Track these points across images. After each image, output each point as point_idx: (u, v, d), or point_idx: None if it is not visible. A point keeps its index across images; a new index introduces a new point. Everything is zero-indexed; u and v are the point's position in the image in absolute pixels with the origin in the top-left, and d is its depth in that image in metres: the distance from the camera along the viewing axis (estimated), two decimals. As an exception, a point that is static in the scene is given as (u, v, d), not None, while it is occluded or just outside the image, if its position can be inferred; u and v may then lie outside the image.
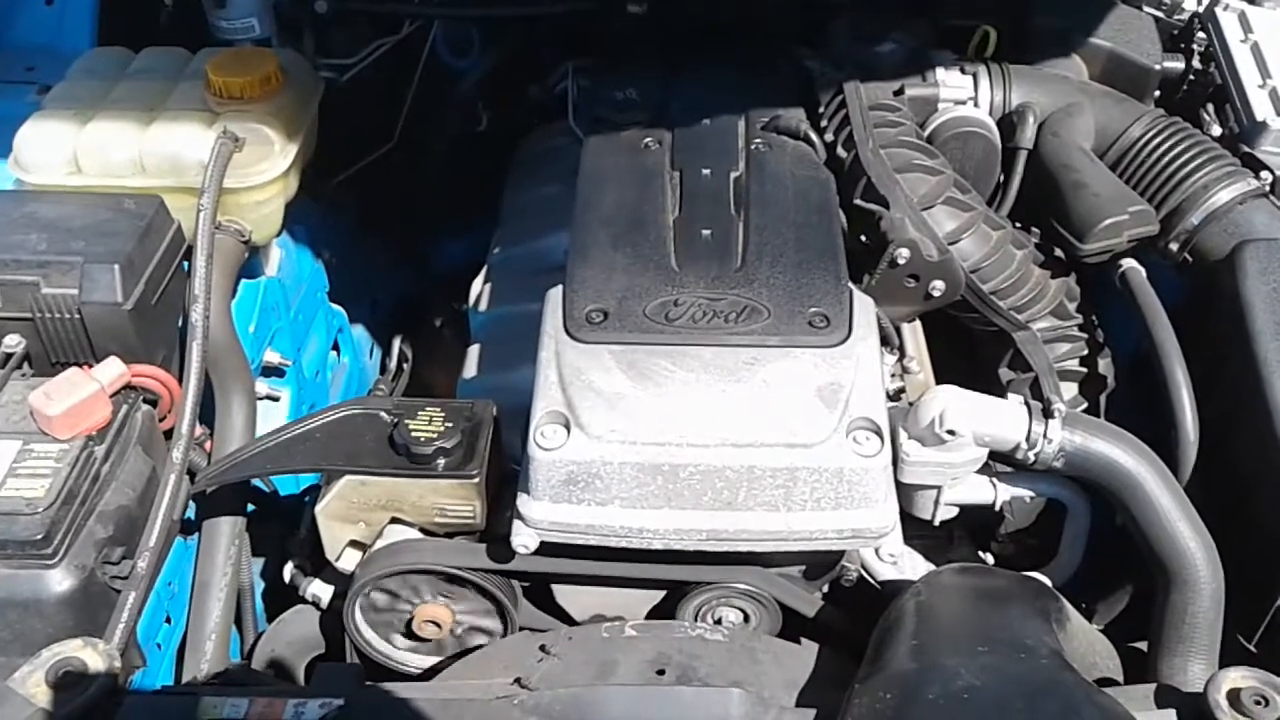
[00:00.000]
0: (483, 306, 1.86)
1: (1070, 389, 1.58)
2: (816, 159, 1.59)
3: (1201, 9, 1.89)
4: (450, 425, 1.38)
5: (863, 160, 1.54)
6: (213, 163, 1.57)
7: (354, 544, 1.43)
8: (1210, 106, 1.74)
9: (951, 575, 1.30)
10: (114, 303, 1.45)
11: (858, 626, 1.35)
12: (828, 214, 1.48)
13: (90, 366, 1.43)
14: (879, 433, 1.25)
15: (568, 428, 1.26)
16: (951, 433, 1.34)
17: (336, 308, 2.15)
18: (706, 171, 1.53)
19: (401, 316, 2.53)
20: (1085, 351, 1.59)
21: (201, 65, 1.72)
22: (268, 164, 1.64)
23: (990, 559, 1.63)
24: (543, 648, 1.27)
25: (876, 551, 1.31)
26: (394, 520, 1.40)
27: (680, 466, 1.24)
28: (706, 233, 1.43)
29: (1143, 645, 1.43)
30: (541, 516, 1.28)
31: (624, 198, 1.51)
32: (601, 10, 2.03)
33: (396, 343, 2.50)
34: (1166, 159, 1.59)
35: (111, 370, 1.42)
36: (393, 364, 2.50)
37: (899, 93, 1.66)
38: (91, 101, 1.67)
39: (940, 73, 1.68)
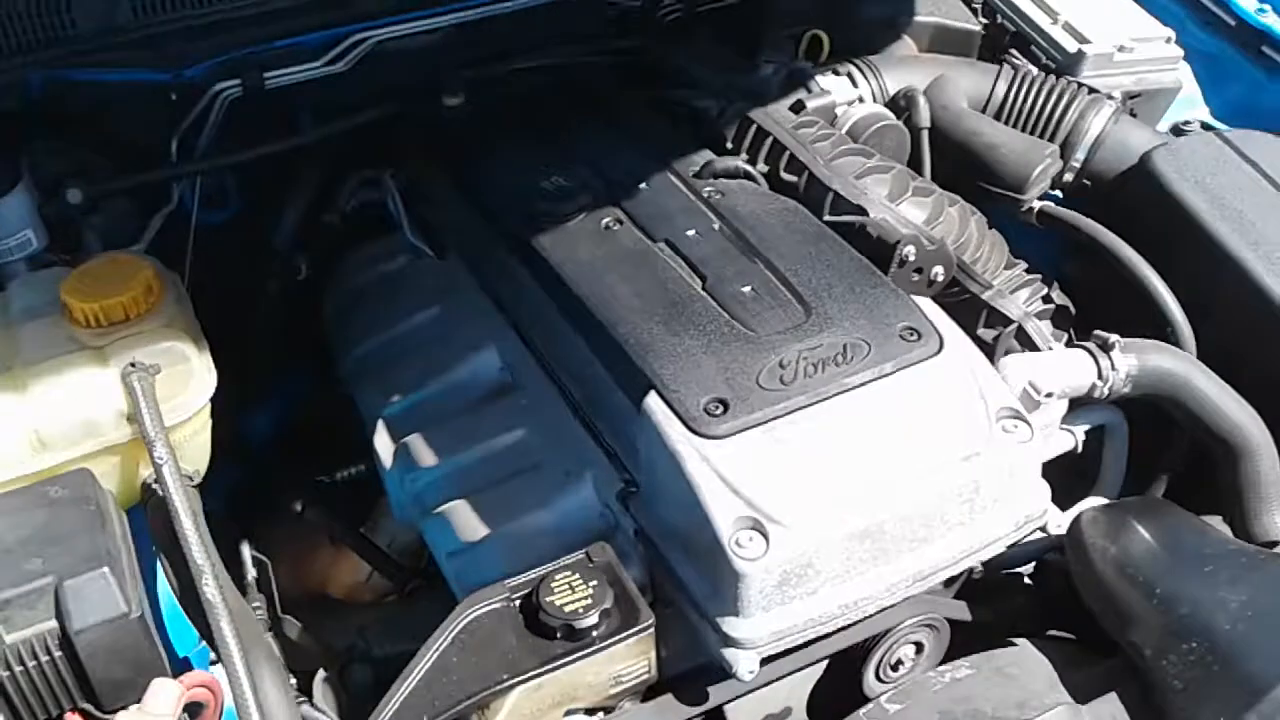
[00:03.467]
0: (426, 463, 1.64)
1: (1045, 326, 1.68)
2: (767, 191, 1.57)
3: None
4: (594, 583, 1.21)
5: (821, 177, 1.54)
6: (145, 405, 1.26)
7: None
8: (1014, 51, 1.92)
9: (1114, 519, 1.34)
10: (120, 615, 1.13)
11: (994, 613, 1.38)
12: (828, 235, 1.47)
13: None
14: (1022, 417, 1.27)
15: (761, 530, 1.15)
16: (1050, 395, 1.38)
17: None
18: (691, 233, 1.46)
19: (239, 515, 2.18)
20: (1044, 290, 1.70)
21: (36, 298, 1.39)
22: (195, 383, 1.35)
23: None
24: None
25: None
26: (568, 712, 1.22)
27: (882, 522, 1.18)
28: (746, 289, 1.37)
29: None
30: (760, 633, 1.17)
31: (636, 284, 1.40)
32: (407, 112, 1.87)
33: (246, 551, 2.15)
34: (1038, 106, 1.74)
35: (167, 697, 1.11)
36: (252, 575, 2.15)
37: (798, 109, 1.68)
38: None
39: (822, 80, 1.72)
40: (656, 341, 1.31)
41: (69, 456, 1.27)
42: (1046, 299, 1.69)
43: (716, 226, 1.48)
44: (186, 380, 1.35)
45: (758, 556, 1.14)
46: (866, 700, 1.32)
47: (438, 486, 1.57)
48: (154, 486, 1.29)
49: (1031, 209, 1.71)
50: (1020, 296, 1.68)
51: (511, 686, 1.15)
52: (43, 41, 1.63)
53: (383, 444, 1.67)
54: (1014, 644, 1.31)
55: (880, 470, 1.20)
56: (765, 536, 1.15)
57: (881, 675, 1.37)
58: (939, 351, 1.30)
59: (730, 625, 1.17)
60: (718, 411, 1.23)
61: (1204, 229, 1.57)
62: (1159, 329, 1.58)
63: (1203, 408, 1.46)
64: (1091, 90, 1.77)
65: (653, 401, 1.26)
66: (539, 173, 1.61)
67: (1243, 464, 1.47)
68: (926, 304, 1.37)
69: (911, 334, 1.31)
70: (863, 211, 1.51)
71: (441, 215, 1.81)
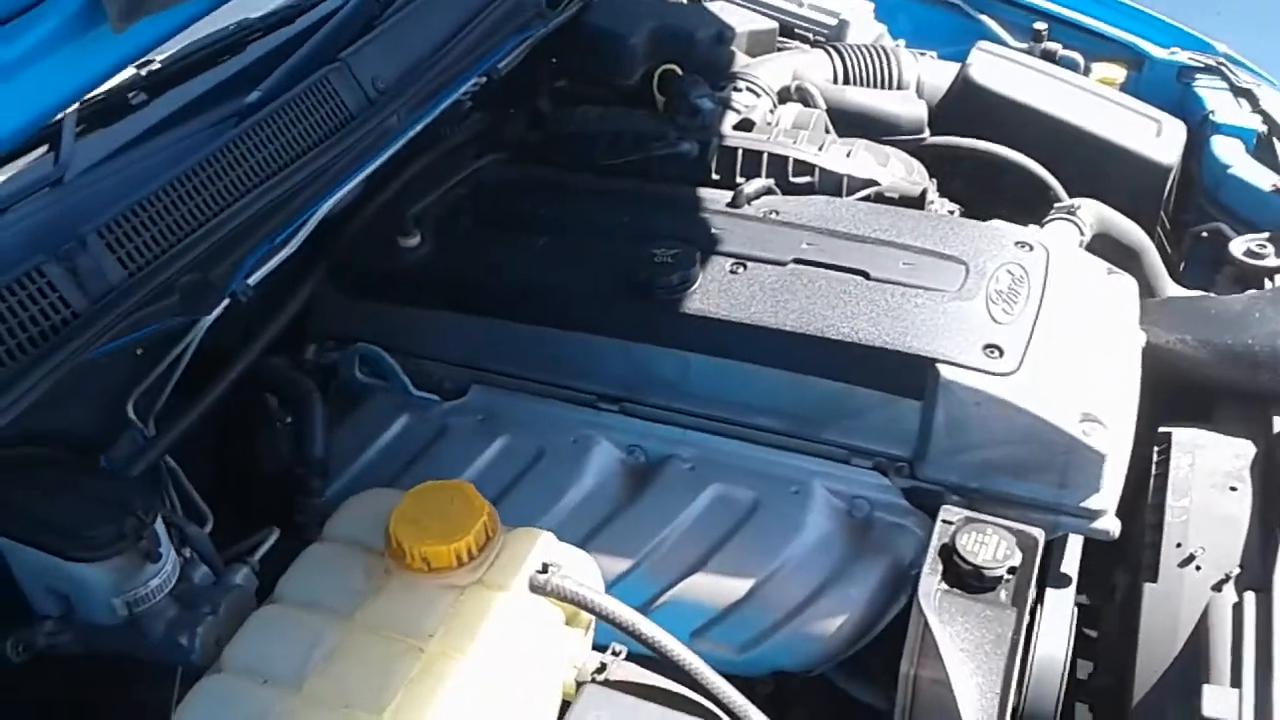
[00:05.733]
0: (612, 572, 1.60)
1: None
2: (793, 197, 1.78)
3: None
4: (989, 530, 1.39)
5: (831, 168, 1.81)
6: (595, 596, 1.19)
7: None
8: (781, 38, 2.28)
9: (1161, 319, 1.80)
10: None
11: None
12: (883, 208, 1.75)
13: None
14: (1115, 270, 1.71)
15: (1095, 419, 1.44)
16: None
17: None
18: (805, 246, 1.65)
19: None
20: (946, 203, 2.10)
21: (339, 574, 1.20)
22: (589, 565, 1.29)
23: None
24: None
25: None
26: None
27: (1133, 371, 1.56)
28: (903, 266, 1.60)
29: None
30: (1114, 497, 1.46)
31: (819, 301, 1.56)
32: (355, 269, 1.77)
33: None
34: (873, 70, 2.13)
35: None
36: None
37: (748, 126, 1.88)
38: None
39: (742, 98, 1.93)
40: (892, 331, 1.50)
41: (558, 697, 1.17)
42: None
43: (812, 235, 1.67)
44: (582, 566, 1.28)
45: (1106, 438, 1.42)
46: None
47: (637, 585, 1.59)
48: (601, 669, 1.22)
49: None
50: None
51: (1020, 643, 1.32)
52: (42, 337, 1.31)
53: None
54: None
55: (1112, 334, 1.55)
56: (1100, 422, 1.43)
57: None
58: (1049, 248, 1.65)
59: (1095, 501, 1.45)
60: (995, 355, 1.47)
61: (1038, 111, 2.08)
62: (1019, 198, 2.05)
63: (1119, 230, 1.97)
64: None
65: (946, 370, 1.46)
66: (624, 251, 1.66)
67: (1144, 259, 2.02)
68: (996, 222, 1.71)
69: (1023, 245, 1.65)
70: (875, 183, 1.80)
71: (455, 352, 1.75)
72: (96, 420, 1.49)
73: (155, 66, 1.72)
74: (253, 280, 1.55)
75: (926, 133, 2.04)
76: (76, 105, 1.52)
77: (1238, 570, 1.45)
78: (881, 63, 2.14)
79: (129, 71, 1.64)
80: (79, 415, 1.48)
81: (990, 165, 2.08)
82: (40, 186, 1.43)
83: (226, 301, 1.51)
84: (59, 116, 1.50)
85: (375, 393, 1.77)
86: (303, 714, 1.07)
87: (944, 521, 1.43)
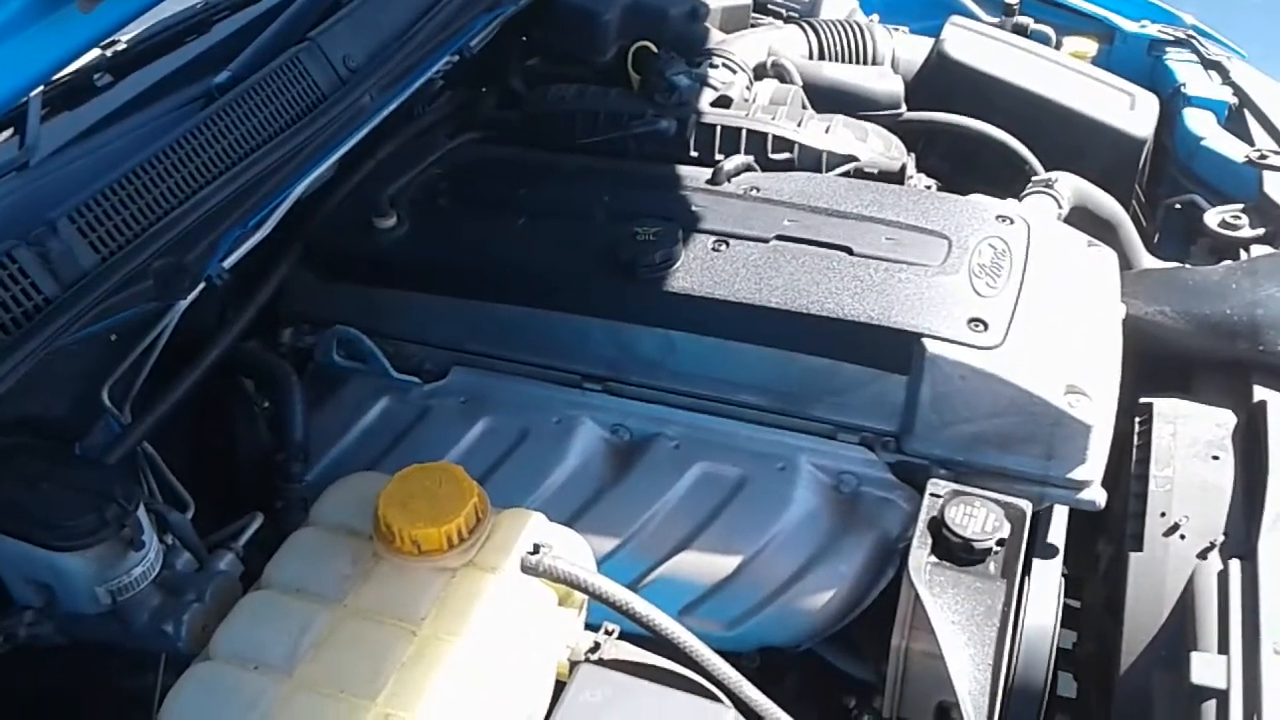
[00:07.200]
0: (599, 551, 1.60)
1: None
2: (773, 173, 1.77)
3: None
4: (976, 503, 1.39)
5: (810, 144, 1.80)
6: (586, 575, 1.18)
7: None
8: (755, 14, 2.27)
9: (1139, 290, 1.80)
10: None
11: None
12: (863, 184, 1.74)
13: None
14: (1094, 243, 1.70)
15: (1080, 391, 1.44)
16: (1061, 228, 1.80)
17: None
18: (787, 223, 1.63)
19: None
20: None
21: (326, 561, 1.18)
22: (584, 549, 1.28)
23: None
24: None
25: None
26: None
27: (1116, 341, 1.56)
28: (885, 241, 1.59)
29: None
30: (1100, 468, 1.47)
31: (803, 278, 1.55)
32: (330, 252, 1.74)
33: None
34: (848, 45, 2.12)
35: None
36: None
37: (726, 103, 1.86)
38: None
39: (719, 75, 1.91)
40: (876, 306, 1.50)
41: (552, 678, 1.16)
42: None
43: (793, 212, 1.66)
44: (573, 546, 1.27)
45: (1091, 409, 1.42)
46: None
47: (624, 564, 1.58)
48: (595, 648, 1.21)
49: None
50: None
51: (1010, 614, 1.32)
52: (14, 324, 1.28)
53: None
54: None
55: (1094, 307, 1.55)
56: (1085, 394, 1.43)
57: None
58: (1030, 222, 1.65)
59: (1081, 472, 1.45)
60: (980, 329, 1.47)
61: (1014, 86, 2.08)
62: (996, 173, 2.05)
63: (1095, 203, 1.98)
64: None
65: (931, 345, 1.46)
66: (605, 229, 1.64)
67: (1120, 231, 2.03)
68: (976, 196, 1.71)
69: (1004, 219, 1.65)
70: (855, 158, 1.79)
71: (435, 334, 1.73)
72: (70, 408, 1.46)
73: (120, 47, 1.68)
74: (228, 264, 1.53)
75: (903, 108, 2.04)
76: (41, 88, 1.48)
77: (1222, 538, 1.46)
78: (856, 38, 2.13)
79: (93, 52, 1.60)
80: (52, 403, 1.44)
81: (967, 140, 2.08)
82: (5, 171, 1.39)
83: (202, 286, 1.49)
84: (24, 99, 1.47)
85: (354, 376, 1.75)
86: (296, 700, 1.05)
87: (932, 495, 1.43)
